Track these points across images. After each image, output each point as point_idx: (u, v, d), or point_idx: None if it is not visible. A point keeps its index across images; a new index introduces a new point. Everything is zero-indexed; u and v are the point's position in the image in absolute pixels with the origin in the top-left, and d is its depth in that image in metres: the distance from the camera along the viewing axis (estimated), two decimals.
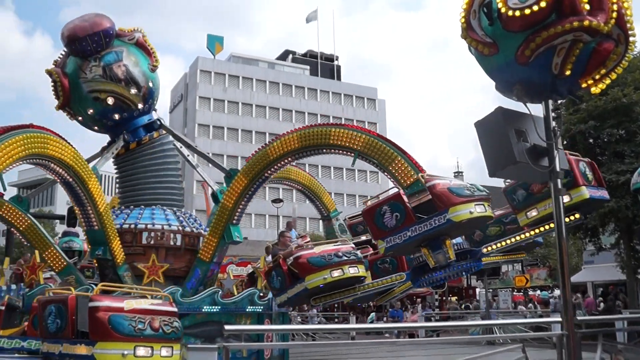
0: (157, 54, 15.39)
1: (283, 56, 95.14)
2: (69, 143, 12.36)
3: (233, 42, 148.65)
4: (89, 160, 14.67)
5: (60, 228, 20.66)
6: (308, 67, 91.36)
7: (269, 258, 12.71)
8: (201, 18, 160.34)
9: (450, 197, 10.24)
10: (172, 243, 13.85)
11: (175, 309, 8.60)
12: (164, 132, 15.38)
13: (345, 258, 11.55)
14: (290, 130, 13.41)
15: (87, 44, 14.18)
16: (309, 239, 19.51)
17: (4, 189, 11.80)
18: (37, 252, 14.70)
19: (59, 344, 8.43)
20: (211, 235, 13.59)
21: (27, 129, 11.38)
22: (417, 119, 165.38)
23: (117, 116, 14.57)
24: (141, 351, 7.95)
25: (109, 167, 16.54)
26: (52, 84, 14.49)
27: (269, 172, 13.47)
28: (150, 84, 14.93)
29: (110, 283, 12.25)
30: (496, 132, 6.33)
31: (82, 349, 8.11)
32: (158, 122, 15.28)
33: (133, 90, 14.53)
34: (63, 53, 14.83)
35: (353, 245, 12.30)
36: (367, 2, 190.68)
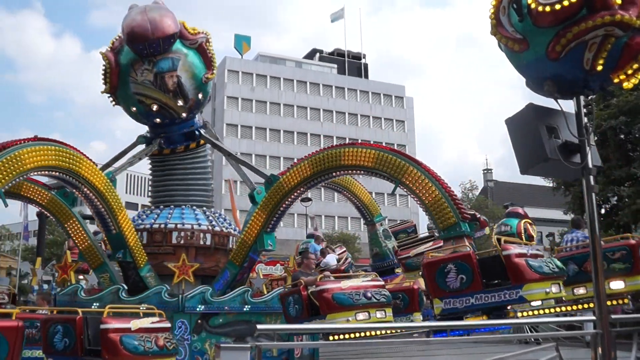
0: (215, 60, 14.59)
1: (310, 55, 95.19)
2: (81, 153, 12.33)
3: (260, 41, 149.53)
4: (124, 152, 14.92)
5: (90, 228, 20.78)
6: (335, 65, 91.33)
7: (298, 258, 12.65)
8: (228, 18, 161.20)
9: (528, 272, 9.28)
10: (202, 242, 13.88)
11: (168, 325, 9.97)
12: (202, 142, 15.09)
13: (375, 300, 10.37)
14: (302, 158, 13.30)
15: (145, 47, 13.48)
16: (344, 250, 19.35)
17: (5, 205, 11.36)
18: (68, 251, 14.81)
19: None
20: (243, 242, 13.52)
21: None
22: (446, 116, 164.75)
23: (158, 120, 14.30)
24: None
25: (135, 167, 16.50)
26: (103, 68, 14.07)
27: (285, 203, 13.24)
28: (200, 96, 14.33)
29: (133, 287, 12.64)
30: (527, 129, 6.28)
31: None
32: (197, 133, 14.93)
33: (180, 102, 14.04)
34: (121, 35, 14.07)
35: (383, 283, 11.26)
36: None
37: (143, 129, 15.16)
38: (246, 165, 15.87)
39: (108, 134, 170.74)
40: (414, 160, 11.86)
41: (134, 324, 9.14)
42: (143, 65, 13.74)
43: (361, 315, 10.11)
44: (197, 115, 15.05)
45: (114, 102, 14.49)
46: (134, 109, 14.13)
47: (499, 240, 10.00)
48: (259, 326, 4.94)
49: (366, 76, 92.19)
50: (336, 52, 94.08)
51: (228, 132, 77.48)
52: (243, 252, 13.38)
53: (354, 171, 12.73)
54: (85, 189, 12.30)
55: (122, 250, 12.95)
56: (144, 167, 15.94)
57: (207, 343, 12.34)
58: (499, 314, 9.58)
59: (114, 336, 8.90)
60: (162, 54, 13.60)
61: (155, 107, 14.00)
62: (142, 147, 14.82)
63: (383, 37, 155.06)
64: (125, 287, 12.48)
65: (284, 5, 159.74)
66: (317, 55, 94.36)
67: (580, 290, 11.01)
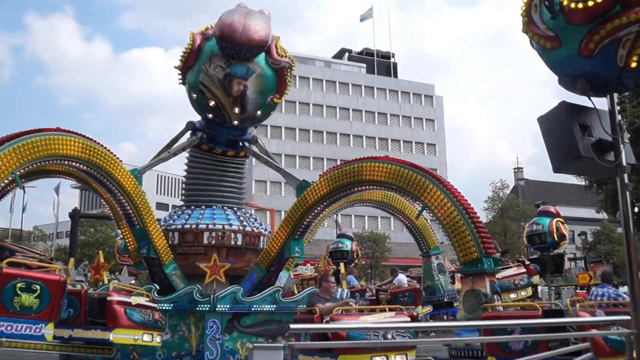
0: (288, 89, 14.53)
1: (339, 54, 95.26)
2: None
3: (289, 41, 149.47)
4: (175, 140, 15.13)
5: None
6: (364, 65, 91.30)
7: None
8: None
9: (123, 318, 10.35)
10: (233, 243, 13.90)
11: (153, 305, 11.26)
12: (242, 154, 15.19)
13: (395, 342, 9.27)
14: (320, 174, 13.28)
15: (228, 47, 13.45)
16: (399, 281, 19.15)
17: (20, 187, 11.57)
18: (100, 252, 14.93)
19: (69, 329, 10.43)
20: (269, 249, 13.58)
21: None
22: (476, 114, 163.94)
23: (211, 116, 14.41)
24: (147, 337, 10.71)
25: (165, 168, 16.69)
26: (186, 46, 14.03)
27: (308, 219, 13.25)
28: (259, 113, 14.33)
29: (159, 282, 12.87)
30: (560, 127, 6.23)
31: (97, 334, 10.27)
32: (242, 144, 14.96)
33: (236, 110, 13.97)
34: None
35: (409, 318, 10.22)
36: None
37: (173, 131, 15.31)
38: (283, 174, 15.90)
39: (139, 135, 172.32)
40: (435, 177, 11.43)
41: (134, 299, 10.67)
42: (220, 61, 13.72)
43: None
44: (250, 128, 15.22)
45: (181, 81, 14.62)
46: (194, 95, 14.17)
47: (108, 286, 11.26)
48: (292, 325, 4.95)
49: (395, 75, 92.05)
50: (365, 52, 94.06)
51: (258, 133, 77.07)
52: (270, 258, 13.43)
53: (372, 186, 12.53)
54: (106, 182, 12.33)
55: (146, 246, 13.04)
56: (173, 168, 16.07)
57: (238, 343, 12.37)
58: None
59: (119, 307, 10.28)
60: (242, 60, 13.59)
61: (212, 103, 14.01)
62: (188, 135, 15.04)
63: (412, 36, 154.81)
64: (157, 287, 12.54)
65: (312, 5, 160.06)
66: (346, 54, 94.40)
67: None
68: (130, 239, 13.32)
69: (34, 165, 10.87)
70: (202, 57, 13.85)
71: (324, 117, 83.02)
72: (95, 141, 11.97)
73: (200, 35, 14.05)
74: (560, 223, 20.30)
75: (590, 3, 5.51)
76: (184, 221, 13.93)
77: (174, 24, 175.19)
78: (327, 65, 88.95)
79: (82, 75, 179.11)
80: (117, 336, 10.18)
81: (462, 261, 10.47)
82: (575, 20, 5.66)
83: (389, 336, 9.07)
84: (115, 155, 12.52)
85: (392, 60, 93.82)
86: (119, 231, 14.83)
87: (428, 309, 15.90)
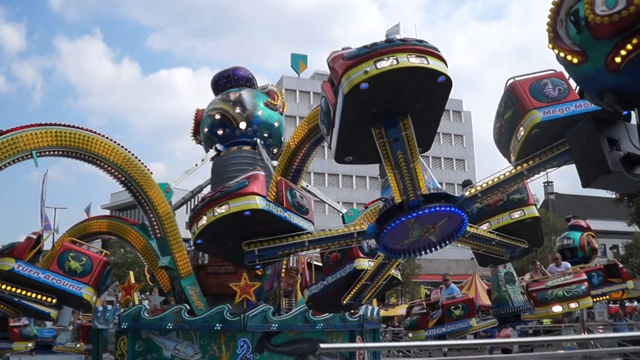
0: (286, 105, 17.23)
1: None
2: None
3: (317, 59, 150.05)
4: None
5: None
6: None
7: None
8: (285, 37, 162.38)
9: None
10: None
11: None
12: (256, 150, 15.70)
13: None
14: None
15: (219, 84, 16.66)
16: None
17: (36, 164, 12.11)
18: (131, 272, 15.08)
19: None
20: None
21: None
22: None
23: (220, 131, 15.66)
24: None
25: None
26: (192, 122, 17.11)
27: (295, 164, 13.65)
28: (259, 112, 15.85)
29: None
30: (588, 141, 6.20)
31: None
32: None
33: (238, 109, 15.58)
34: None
35: None
36: (448, 13, 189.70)
37: (201, 152, 16.46)
38: (324, 200, 16.64)
39: (168, 155, 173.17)
40: None
41: None
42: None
43: None
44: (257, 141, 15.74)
45: (196, 142, 17.35)
46: (206, 129, 16.01)
47: None
48: (322, 345, 4.96)
49: None
50: None
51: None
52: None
53: None
54: (131, 187, 13.71)
55: (168, 256, 13.27)
56: (206, 189, 16.42)
57: None
58: None
59: None
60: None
61: (218, 116, 15.64)
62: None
63: (439, 51, 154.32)
64: (188, 307, 12.61)
65: (339, 22, 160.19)
66: None
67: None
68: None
69: (67, 152, 12.73)
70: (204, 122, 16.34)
71: None
72: (132, 154, 13.61)
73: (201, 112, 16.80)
74: (591, 237, 20.10)
75: (616, 17, 5.48)
76: None
77: (201, 44, 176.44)
78: None
79: (111, 96, 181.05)
80: None
81: None
82: (601, 35, 5.64)
83: None
84: (147, 169, 13.87)
85: None
86: None
87: (490, 323, 15.40)
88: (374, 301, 20.11)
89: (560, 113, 7.39)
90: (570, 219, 22.15)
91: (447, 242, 7.48)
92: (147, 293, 21.24)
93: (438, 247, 7.54)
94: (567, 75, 6.91)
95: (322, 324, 12.95)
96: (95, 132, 13.04)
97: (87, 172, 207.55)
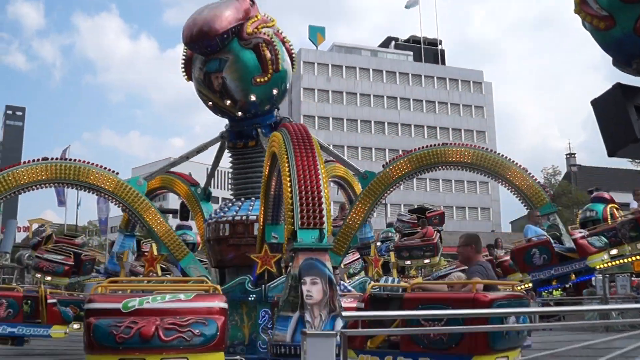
0: (281, 62, 14.25)
1: (385, 43, 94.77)
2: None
3: (335, 31, 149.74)
4: (204, 147, 16.06)
5: (173, 222, 21.38)
6: (411, 52, 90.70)
7: None
8: (302, 10, 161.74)
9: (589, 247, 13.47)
10: None
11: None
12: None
13: None
14: (399, 155, 14.87)
15: (193, 48, 14.09)
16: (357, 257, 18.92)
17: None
18: (153, 244, 15.14)
19: None
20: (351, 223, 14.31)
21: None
22: (525, 100, 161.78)
23: (219, 114, 15.09)
24: None
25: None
26: (181, 60, 15.07)
27: (385, 195, 14.50)
28: (252, 97, 14.26)
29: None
30: (615, 110, 6.08)
31: None
32: (255, 132, 15.03)
33: (227, 102, 14.33)
34: None
35: None
36: None
37: (220, 125, 15.89)
38: (340, 160, 16.56)
39: (186, 130, 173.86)
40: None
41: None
42: (198, 64, 14.33)
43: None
44: (275, 111, 15.45)
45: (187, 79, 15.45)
46: (210, 103, 14.87)
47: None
48: (344, 313, 4.93)
49: (443, 62, 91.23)
50: (412, 39, 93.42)
51: (305, 124, 77.60)
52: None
53: (455, 167, 14.75)
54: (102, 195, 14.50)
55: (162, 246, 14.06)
56: (224, 161, 16.32)
57: None
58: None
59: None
60: (215, 54, 13.88)
61: (210, 104, 14.67)
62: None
63: (459, 22, 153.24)
64: (209, 278, 12.69)
65: None
66: (393, 43, 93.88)
67: None
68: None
69: (62, 184, 14.25)
70: (194, 68, 14.58)
71: (372, 106, 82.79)
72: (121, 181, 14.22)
73: None
74: (614, 209, 19.90)
75: None
76: (235, 213, 14.03)
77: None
78: (373, 54, 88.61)
79: (129, 72, 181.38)
80: None
81: (539, 205, 14.14)
82: None
83: None
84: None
85: (439, 47, 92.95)
86: None
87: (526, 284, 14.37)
88: (394, 272, 20.04)
89: None
90: (593, 191, 21.91)
91: None
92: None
93: None
94: None
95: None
96: (86, 162, 13.90)
97: (108, 148, 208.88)
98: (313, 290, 8.75)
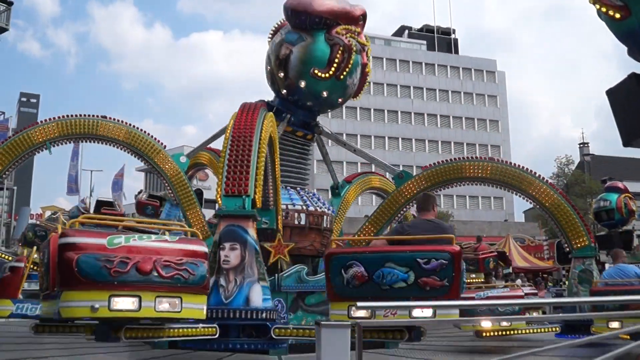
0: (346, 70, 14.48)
1: (399, 32, 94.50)
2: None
3: None
4: None
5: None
6: (425, 42, 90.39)
7: None
8: None
9: None
10: (296, 222, 14.03)
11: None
12: (309, 137, 15.68)
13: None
14: (417, 174, 14.47)
15: (290, 15, 14.63)
16: None
17: (50, 152, 13.99)
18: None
19: None
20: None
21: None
22: (538, 90, 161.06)
23: (270, 83, 15.53)
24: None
25: None
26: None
27: (400, 214, 14.28)
28: (302, 84, 14.58)
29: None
30: (630, 99, 6.07)
31: None
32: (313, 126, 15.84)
33: (281, 74, 14.72)
34: None
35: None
36: None
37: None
38: (372, 160, 16.58)
39: (199, 117, 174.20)
40: (531, 171, 13.74)
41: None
42: (284, 31, 15.07)
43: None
44: (315, 116, 16.01)
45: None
46: (269, 67, 15.37)
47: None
48: (358, 303, 4.94)
49: (456, 51, 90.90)
50: (425, 28, 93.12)
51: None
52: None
53: (473, 182, 14.42)
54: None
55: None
56: None
57: (303, 321, 12.46)
58: None
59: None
60: (300, 29, 14.44)
61: (268, 68, 15.20)
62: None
63: (472, 11, 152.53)
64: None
65: None
66: (406, 32, 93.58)
67: None
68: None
69: (75, 138, 14.69)
70: (278, 36, 15.12)
71: (385, 95, 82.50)
72: (135, 127, 14.87)
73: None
74: (628, 199, 19.76)
75: None
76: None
77: (232, 7, 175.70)
78: (387, 43, 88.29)
79: (143, 60, 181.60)
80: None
81: (575, 247, 13.02)
82: None
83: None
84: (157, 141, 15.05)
85: (452, 36, 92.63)
86: None
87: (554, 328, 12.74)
88: None
89: None
90: (606, 181, 21.79)
91: None
92: None
93: None
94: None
95: None
96: (95, 116, 14.59)
97: None
98: (231, 255, 9.08)
